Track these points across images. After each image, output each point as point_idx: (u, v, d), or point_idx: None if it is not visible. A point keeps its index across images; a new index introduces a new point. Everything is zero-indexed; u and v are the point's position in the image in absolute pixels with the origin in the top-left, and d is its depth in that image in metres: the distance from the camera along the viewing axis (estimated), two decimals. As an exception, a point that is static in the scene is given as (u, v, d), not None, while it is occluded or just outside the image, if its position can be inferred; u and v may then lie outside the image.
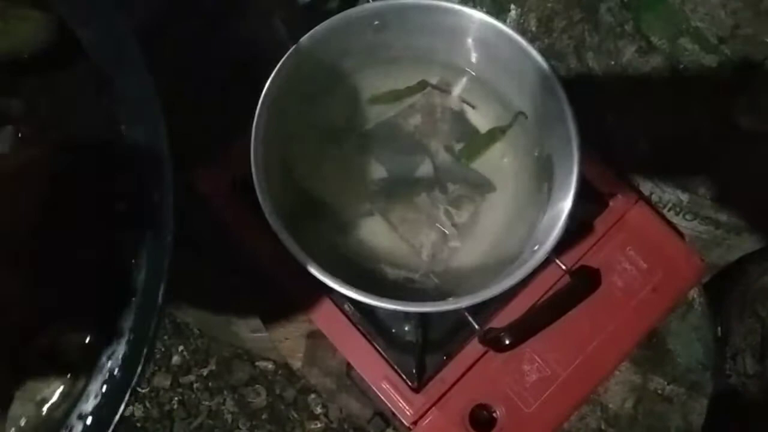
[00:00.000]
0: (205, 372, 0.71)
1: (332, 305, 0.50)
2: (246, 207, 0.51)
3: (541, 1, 0.58)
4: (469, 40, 0.47)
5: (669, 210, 0.58)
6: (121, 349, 0.35)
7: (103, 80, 0.37)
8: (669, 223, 0.54)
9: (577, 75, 0.57)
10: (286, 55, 0.43)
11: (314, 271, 0.39)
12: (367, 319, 0.50)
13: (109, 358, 0.35)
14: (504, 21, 0.51)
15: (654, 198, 0.58)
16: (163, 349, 0.72)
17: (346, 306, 0.50)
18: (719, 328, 0.64)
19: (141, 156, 0.36)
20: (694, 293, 0.57)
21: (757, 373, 0.62)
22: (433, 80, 0.50)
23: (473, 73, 0.50)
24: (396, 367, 0.49)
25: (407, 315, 0.51)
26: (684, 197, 0.56)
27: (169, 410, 0.70)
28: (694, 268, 0.52)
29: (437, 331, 0.51)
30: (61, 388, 0.37)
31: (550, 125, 0.44)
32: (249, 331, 0.69)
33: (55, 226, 0.39)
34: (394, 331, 0.51)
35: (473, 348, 0.49)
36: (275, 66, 0.43)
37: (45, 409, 0.37)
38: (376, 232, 0.47)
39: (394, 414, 0.48)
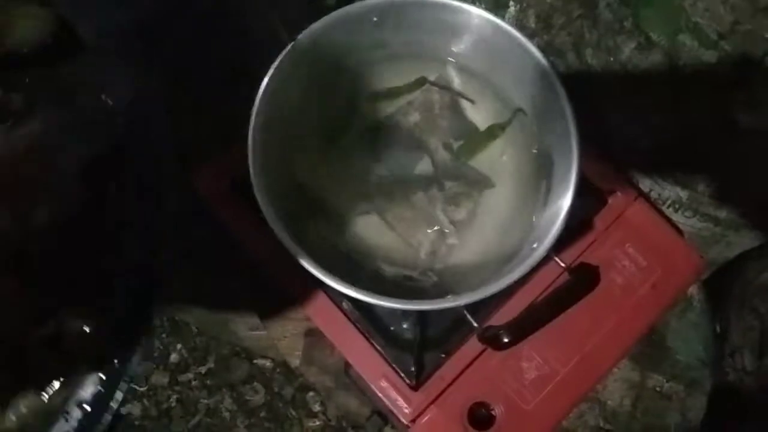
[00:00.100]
0: (203, 370, 0.71)
1: (330, 303, 0.50)
2: (245, 206, 0.51)
3: (540, -3, 0.58)
4: (468, 37, 0.47)
5: (668, 207, 0.58)
6: (117, 338, 0.35)
7: (102, 76, 0.38)
8: (668, 220, 0.54)
9: (576, 71, 0.56)
10: (283, 53, 0.43)
11: (312, 269, 0.39)
12: (366, 317, 0.50)
13: (106, 347, 0.35)
14: (503, 17, 0.51)
15: (653, 195, 0.58)
16: (161, 348, 0.71)
17: (344, 304, 0.50)
18: (718, 325, 0.64)
19: (141, 156, 0.36)
20: (693, 290, 0.57)
21: (756, 370, 0.61)
22: (432, 77, 0.50)
23: (472, 70, 0.50)
24: (394, 365, 0.49)
25: (405, 313, 0.51)
26: (683, 194, 0.56)
27: (167, 408, 0.70)
28: (693, 265, 0.52)
29: (436, 328, 0.51)
30: (61, 376, 0.38)
31: (549, 122, 0.44)
32: (247, 329, 0.69)
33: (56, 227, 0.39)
34: (392, 329, 0.51)
35: (472, 346, 0.49)
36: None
37: (45, 396, 0.38)
38: (375, 231, 0.47)
39: (392, 412, 0.48)
